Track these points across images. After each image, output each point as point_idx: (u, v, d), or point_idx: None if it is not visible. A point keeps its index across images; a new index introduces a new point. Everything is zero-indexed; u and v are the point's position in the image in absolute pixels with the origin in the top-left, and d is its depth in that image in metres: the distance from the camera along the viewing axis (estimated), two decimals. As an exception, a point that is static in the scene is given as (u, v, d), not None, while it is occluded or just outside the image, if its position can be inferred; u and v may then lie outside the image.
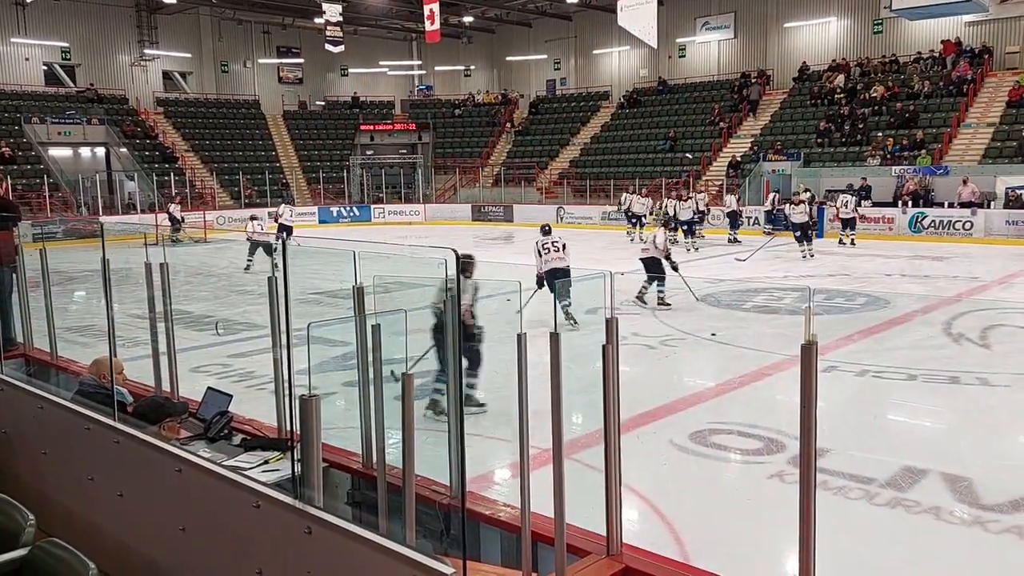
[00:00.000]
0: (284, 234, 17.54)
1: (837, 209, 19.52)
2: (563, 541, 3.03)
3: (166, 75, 34.25)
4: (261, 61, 36.10)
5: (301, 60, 36.90)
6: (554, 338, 3.06)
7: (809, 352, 2.60)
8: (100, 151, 30.22)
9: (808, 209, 17.18)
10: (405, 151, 35.81)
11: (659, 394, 7.21)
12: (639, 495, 4.98)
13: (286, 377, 3.60)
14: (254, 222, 16.62)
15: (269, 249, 14.90)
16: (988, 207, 19.80)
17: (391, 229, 25.35)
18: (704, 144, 28.80)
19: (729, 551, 4.38)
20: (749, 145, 27.27)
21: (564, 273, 9.68)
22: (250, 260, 15.88)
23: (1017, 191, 19.77)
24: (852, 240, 19.04)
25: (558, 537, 3.03)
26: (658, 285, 11.27)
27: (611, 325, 3.15)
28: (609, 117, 33.38)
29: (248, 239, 15.92)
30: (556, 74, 37.32)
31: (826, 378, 7.57)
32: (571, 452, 5.39)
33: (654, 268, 11.33)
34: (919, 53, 26.28)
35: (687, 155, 28.47)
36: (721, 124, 28.91)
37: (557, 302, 9.47)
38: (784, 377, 7.30)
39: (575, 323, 8.41)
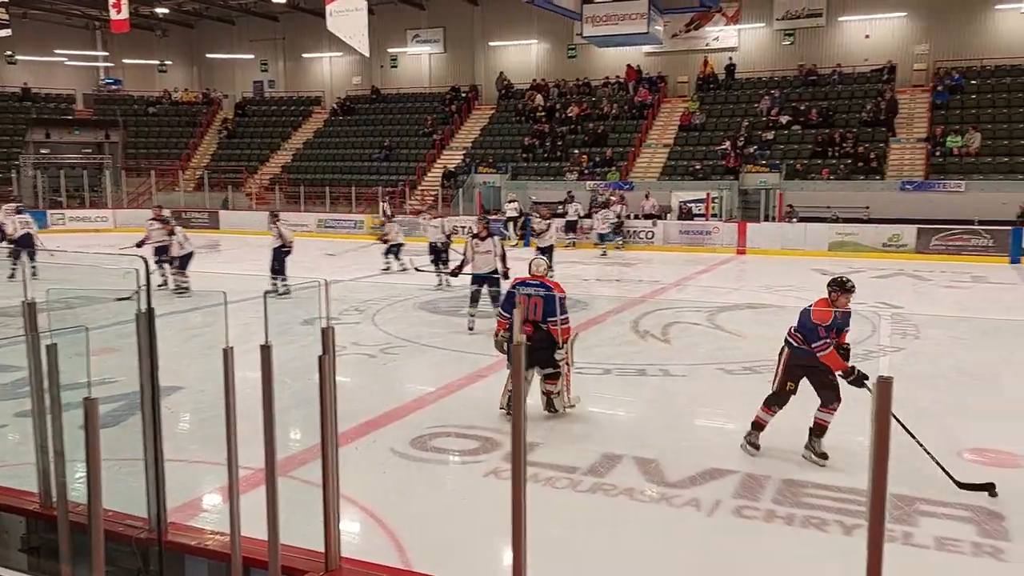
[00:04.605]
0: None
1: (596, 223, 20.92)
2: (277, 563, 2.88)
3: None
4: (-100, 39, 30.38)
5: (-45, 42, 31.65)
6: (265, 351, 2.90)
7: (518, 351, 2.72)
8: None
9: (443, 226, 14.96)
10: (90, 150, 32.20)
11: (380, 402, 7.18)
12: (359, 506, 4.91)
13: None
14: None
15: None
16: (666, 218, 22.45)
17: (75, 238, 22.66)
18: (419, 154, 29.39)
19: (449, 552, 4.47)
20: (462, 157, 28.32)
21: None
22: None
23: (688, 204, 22.66)
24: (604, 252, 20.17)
25: (272, 559, 2.88)
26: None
27: (327, 335, 3.06)
28: (322, 123, 32.80)
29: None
30: (264, 75, 35.87)
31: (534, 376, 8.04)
32: (289, 469, 5.18)
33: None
34: (607, 78, 29.10)
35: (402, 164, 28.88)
36: (434, 135, 29.71)
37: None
38: (499, 378, 7.63)
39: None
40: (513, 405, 2.77)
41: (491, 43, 31.48)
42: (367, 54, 10.20)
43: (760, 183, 22.75)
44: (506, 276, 10.31)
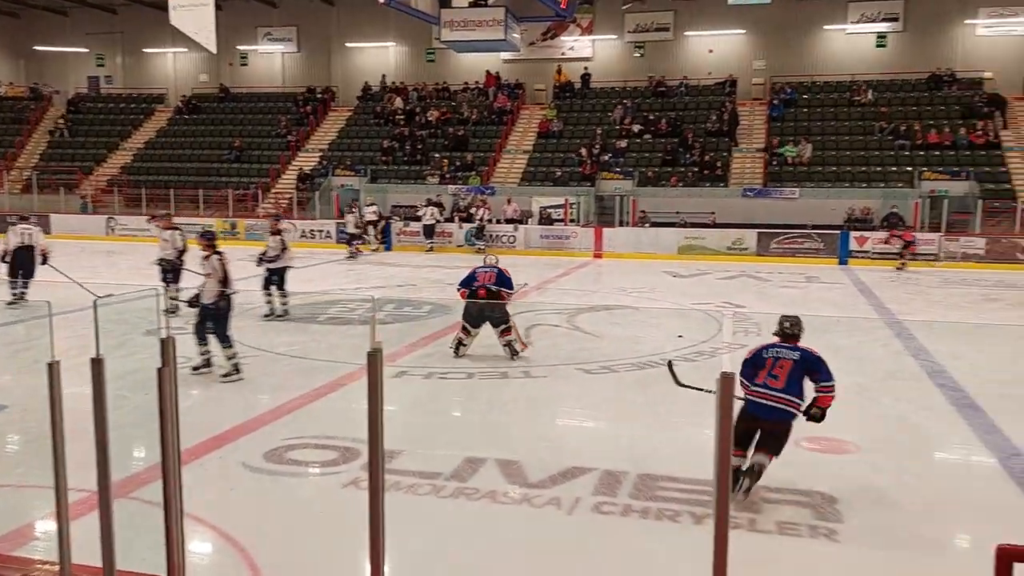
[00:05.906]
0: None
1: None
2: (115, 593, 2.67)
3: None
4: None
5: None
6: (96, 364, 2.69)
7: (375, 359, 2.65)
8: None
9: (175, 239, 11.79)
10: (-101, 148, 29.09)
11: (231, 415, 6.86)
12: (209, 526, 4.65)
13: None
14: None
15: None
16: (527, 223, 22.81)
17: None
18: (273, 156, 28.42)
19: (306, 569, 4.31)
20: (318, 159, 27.63)
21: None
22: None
23: (548, 209, 23.12)
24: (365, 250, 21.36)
25: (109, 590, 2.66)
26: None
27: (167, 345, 2.87)
28: (166, 122, 31.09)
29: None
30: (100, 71, 33.60)
31: (397, 383, 7.94)
32: (130, 490, 4.85)
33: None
34: (467, 83, 29.24)
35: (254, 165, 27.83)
36: (289, 137, 28.83)
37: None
38: (359, 386, 7.44)
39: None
40: (369, 414, 2.70)
41: (347, 44, 30.91)
42: (215, 51, 9.71)
43: (615, 189, 23.57)
44: (228, 307, 8.17)
